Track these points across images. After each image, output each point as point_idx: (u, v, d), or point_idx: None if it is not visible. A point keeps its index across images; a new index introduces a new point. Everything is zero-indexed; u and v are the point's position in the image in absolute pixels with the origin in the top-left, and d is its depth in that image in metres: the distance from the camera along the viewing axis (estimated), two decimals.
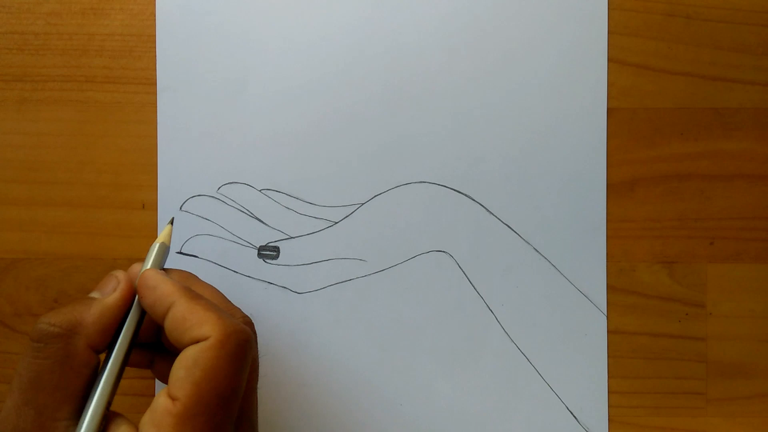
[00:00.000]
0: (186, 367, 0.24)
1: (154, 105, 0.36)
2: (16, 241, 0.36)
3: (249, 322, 0.29)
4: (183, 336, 0.25)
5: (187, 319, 0.25)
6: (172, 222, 0.31)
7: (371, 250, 0.36)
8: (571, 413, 0.36)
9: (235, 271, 0.36)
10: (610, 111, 0.36)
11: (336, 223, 0.36)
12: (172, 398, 0.24)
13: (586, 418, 0.36)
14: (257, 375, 0.29)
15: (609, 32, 0.36)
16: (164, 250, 0.30)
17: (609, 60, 0.36)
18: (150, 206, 0.36)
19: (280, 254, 0.36)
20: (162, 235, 0.30)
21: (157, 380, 0.36)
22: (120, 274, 0.28)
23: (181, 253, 0.36)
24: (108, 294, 0.27)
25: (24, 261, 0.36)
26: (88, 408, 0.25)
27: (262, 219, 0.36)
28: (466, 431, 0.36)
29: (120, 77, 0.36)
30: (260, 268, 0.36)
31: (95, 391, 0.26)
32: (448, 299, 0.36)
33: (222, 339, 0.25)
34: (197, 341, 0.25)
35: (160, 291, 0.27)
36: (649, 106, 0.36)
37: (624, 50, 0.36)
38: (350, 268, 0.36)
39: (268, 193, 0.36)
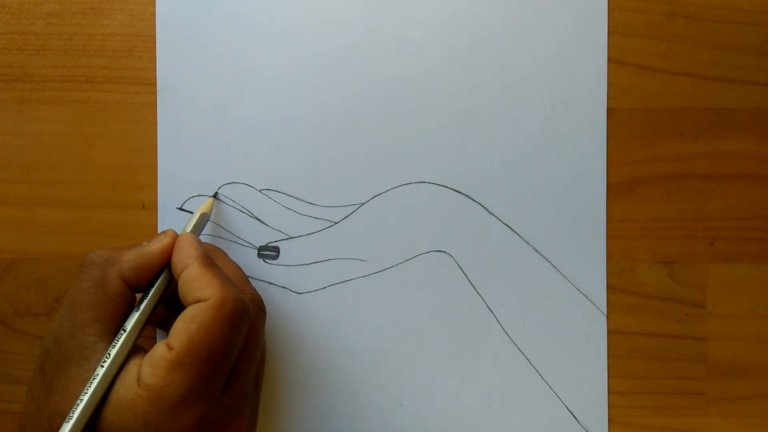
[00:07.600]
0: (184, 321, 0.27)
1: (154, 105, 0.36)
2: (16, 241, 0.36)
3: (255, 300, 0.31)
4: (188, 295, 0.28)
5: (194, 280, 0.29)
6: (215, 196, 0.35)
7: (371, 250, 0.36)
8: (571, 413, 0.36)
9: None
10: (610, 111, 0.36)
11: (336, 223, 0.36)
12: (169, 347, 0.27)
13: (586, 418, 0.36)
14: (263, 354, 0.32)
15: (609, 32, 0.36)
16: (203, 219, 0.33)
17: (609, 60, 0.36)
18: (150, 206, 0.36)
19: (280, 254, 0.36)
20: (204, 206, 0.34)
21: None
22: (169, 232, 0.31)
23: None
24: (152, 245, 0.31)
25: (24, 261, 0.36)
26: (122, 332, 0.29)
27: (262, 219, 0.36)
28: (466, 431, 0.36)
29: (120, 77, 0.36)
30: (260, 268, 0.36)
31: (130, 317, 0.30)
32: (448, 299, 0.36)
33: (220, 302, 0.28)
34: (199, 301, 0.28)
35: (183, 252, 0.30)
36: (649, 106, 0.36)
37: (624, 50, 0.36)
38: (350, 268, 0.36)
39: (268, 193, 0.36)
